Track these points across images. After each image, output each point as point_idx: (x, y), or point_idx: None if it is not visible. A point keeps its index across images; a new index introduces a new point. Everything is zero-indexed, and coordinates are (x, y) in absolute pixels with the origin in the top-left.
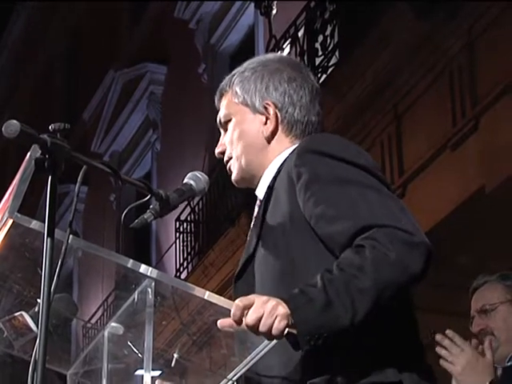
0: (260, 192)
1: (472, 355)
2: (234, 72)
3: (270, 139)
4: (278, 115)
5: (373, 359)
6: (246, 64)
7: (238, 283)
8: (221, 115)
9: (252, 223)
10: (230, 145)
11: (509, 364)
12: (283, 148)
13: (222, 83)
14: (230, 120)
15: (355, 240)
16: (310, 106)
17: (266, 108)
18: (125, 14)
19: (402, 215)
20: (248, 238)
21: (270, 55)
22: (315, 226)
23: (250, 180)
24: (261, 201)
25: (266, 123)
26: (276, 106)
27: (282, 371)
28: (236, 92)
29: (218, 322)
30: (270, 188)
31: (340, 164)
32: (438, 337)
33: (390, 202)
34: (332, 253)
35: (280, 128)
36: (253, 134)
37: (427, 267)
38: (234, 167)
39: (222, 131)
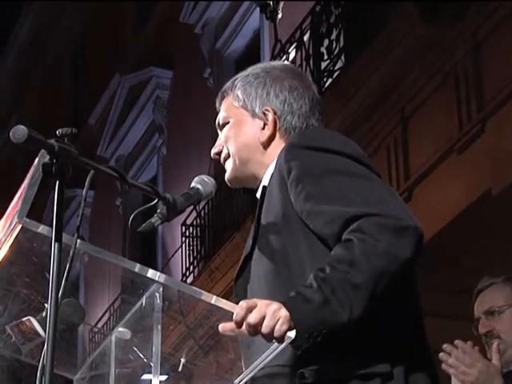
0: (259, 194)
1: (483, 365)
2: (237, 76)
3: (266, 144)
4: (277, 122)
5: (365, 351)
6: (250, 69)
7: (238, 283)
8: (220, 117)
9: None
10: (225, 142)
11: None
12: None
13: (225, 86)
14: (228, 122)
15: (345, 231)
16: (310, 114)
17: (265, 114)
18: (130, 19)
19: (391, 201)
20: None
21: (275, 62)
22: (307, 219)
23: (243, 180)
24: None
25: (263, 128)
26: (275, 113)
27: (274, 360)
28: (237, 96)
29: (220, 325)
30: (265, 187)
31: (328, 155)
32: (447, 347)
33: (378, 189)
34: (326, 245)
35: (278, 134)
36: (249, 135)
37: (417, 250)
38: (229, 165)
39: (220, 133)
